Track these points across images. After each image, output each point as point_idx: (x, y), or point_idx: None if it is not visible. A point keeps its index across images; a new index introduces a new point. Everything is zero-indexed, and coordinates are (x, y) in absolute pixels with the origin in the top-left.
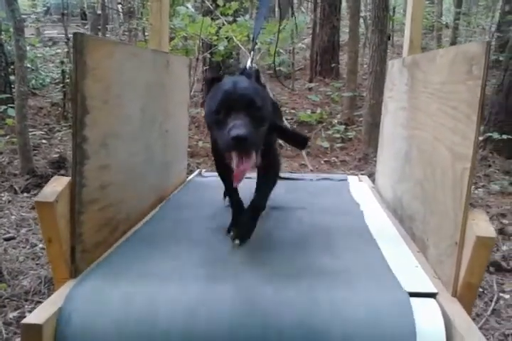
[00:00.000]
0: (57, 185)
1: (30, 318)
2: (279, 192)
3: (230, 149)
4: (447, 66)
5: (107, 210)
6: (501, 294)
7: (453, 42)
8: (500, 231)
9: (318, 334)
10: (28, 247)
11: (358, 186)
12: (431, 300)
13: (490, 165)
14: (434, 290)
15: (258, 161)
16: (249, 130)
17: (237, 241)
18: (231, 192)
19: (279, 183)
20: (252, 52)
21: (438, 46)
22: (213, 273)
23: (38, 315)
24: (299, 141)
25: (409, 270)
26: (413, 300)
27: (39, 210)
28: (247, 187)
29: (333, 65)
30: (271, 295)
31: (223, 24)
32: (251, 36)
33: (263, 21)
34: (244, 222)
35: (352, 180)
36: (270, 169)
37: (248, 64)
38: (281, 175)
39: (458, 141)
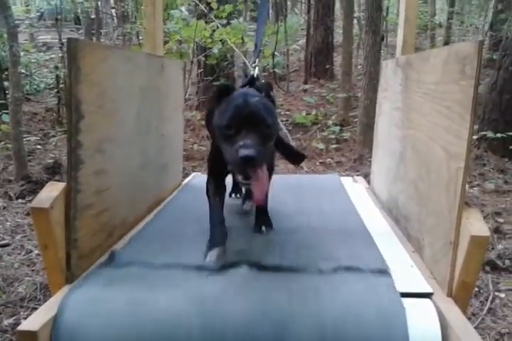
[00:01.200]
0: (52, 191)
1: (25, 325)
2: (274, 192)
3: (237, 167)
4: (440, 66)
5: (102, 215)
6: (497, 293)
7: (446, 42)
8: (496, 230)
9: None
10: (23, 253)
11: (353, 187)
12: (426, 300)
13: (485, 164)
14: (430, 290)
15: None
16: (257, 150)
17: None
18: (214, 208)
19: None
20: (257, 60)
21: (431, 46)
22: (209, 278)
23: (32, 322)
24: (296, 158)
25: (405, 270)
26: (408, 300)
27: (34, 216)
28: None
29: (327, 66)
30: (260, 294)
31: (217, 27)
32: (245, 39)
33: (264, 26)
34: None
35: (347, 181)
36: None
37: (256, 72)
38: None
39: (452, 140)
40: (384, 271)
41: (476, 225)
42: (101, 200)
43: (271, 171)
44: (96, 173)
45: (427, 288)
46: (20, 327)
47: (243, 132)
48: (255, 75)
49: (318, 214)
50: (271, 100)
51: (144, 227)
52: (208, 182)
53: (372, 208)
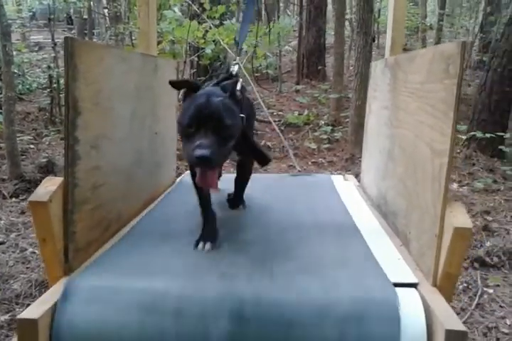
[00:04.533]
0: (50, 185)
1: (26, 313)
2: (264, 188)
3: (193, 164)
4: (426, 66)
5: (98, 210)
6: (485, 289)
7: (437, 44)
8: (484, 228)
9: (307, 315)
10: (17, 251)
11: (344, 184)
12: (412, 289)
13: (474, 164)
14: (415, 281)
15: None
16: (212, 150)
17: (207, 246)
18: (202, 200)
19: (264, 180)
20: (237, 58)
21: (423, 47)
22: (199, 266)
23: (33, 311)
24: (262, 160)
25: (392, 262)
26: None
27: (33, 210)
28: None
29: (319, 67)
30: (248, 283)
31: (210, 27)
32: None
33: (248, 26)
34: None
35: (337, 178)
36: (245, 166)
37: (235, 69)
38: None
39: (436, 137)
40: (374, 263)
41: (460, 218)
42: (97, 195)
43: (248, 175)
44: (92, 169)
45: (412, 279)
46: (20, 316)
47: (202, 132)
48: (234, 72)
49: (307, 211)
50: (236, 99)
51: (138, 222)
52: (192, 176)
53: (362, 205)
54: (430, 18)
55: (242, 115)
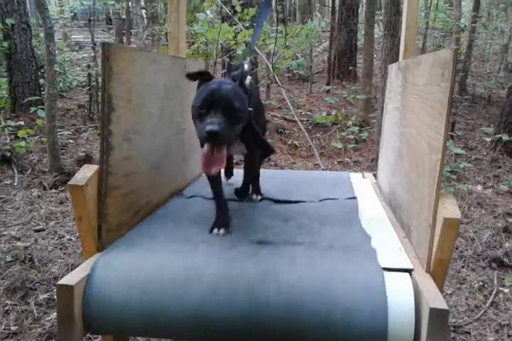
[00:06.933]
0: (87, 172)
1: (64, 280)
2: (282, 181)
3: (204, 140)
4: (428, 69)
5: (129, 196)
6: (501, 288)
7: (469, 45)
8: (505, 229)
9: (299, 294)
10: (56, 238)
11: (360, 181)
12: (404, 274)
13: (500, 166)
14: (410, 267)
15: (239, 151)
16: (221, 127)
17: (221, 231)
18: (214, 186)
19: (284, 174)
20: (247, 58)
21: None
22: (212, 247)
23: (70, 278)
24: (265, 151)
25: (393, 251)
26: (389, 274)
27: (72, 192)
28: None
29: (350, 68)
30: (259, 265)
31: (241, 29)
32: (267, 41)
33: (260, 31)
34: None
35: (356, 176)
36: (253, 159)
37: (245, 67)
38: None
39: (433, 135)
40: (370, 250)
41: (450, 209)
42: (128, 183)
43: (257, 168)
44: (124, 159)
45: (408, 265)
46: (59, 282)
47: (212, 112)
48: (244, 70)
49: (319, 203)
50: (244, 88)
51: (164, 209)
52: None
53: (374, 199)
54: (466, 19)
55: (250, 109)
